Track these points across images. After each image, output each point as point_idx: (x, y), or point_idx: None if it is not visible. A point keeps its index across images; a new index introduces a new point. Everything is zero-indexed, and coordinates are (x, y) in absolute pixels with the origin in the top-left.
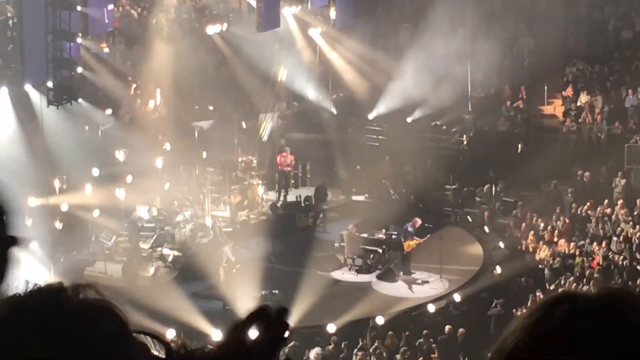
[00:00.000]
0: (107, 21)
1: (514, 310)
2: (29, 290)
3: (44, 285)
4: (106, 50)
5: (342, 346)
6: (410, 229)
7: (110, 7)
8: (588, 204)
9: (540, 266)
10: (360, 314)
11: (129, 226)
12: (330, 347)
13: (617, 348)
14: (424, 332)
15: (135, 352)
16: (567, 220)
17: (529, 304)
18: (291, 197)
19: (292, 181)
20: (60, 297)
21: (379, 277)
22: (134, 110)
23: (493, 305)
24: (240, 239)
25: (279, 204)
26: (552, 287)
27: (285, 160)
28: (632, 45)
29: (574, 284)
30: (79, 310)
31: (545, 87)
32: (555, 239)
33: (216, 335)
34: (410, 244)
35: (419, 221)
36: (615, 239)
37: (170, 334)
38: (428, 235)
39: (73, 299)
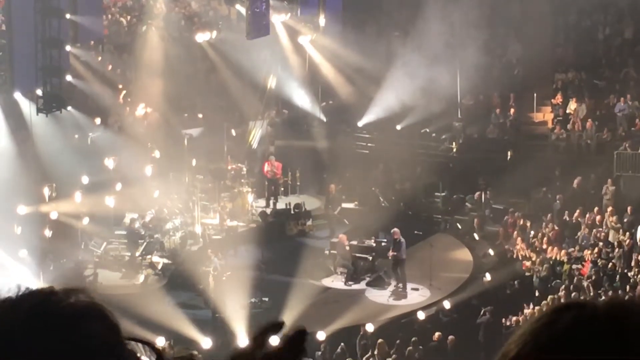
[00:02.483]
0: (96, 29)
1: (504, 318)
2: (20, 293)
3: (35, 288)
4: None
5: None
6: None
7: (100, 15)
8: (578, 211)
9: (527, 274)
10: (350, 322)
11: (127, 234)
12: (319, 353)
13: (621, 356)
14: (413, 339)
15: (126, 355)
16: (557, 228)
17: (521, 312)
18: (281, 205)
19: (282, 189)
20: (51, 300)
21: (369, 285)
22: (124, 118)
23: (482, 313)
24: (229, 247)
25: (268, 212)
26: (539, 295)
27: (272, 168)
28: (621, 52)
29: (563, 291)
30: (70, 312)
31: (535, 95)
32: (545, 246)
33: (205, 342)
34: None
35: (397, 231)
36: (601, 244)
37: (160, 341)
38: (404, 256)
39: (64, 302)
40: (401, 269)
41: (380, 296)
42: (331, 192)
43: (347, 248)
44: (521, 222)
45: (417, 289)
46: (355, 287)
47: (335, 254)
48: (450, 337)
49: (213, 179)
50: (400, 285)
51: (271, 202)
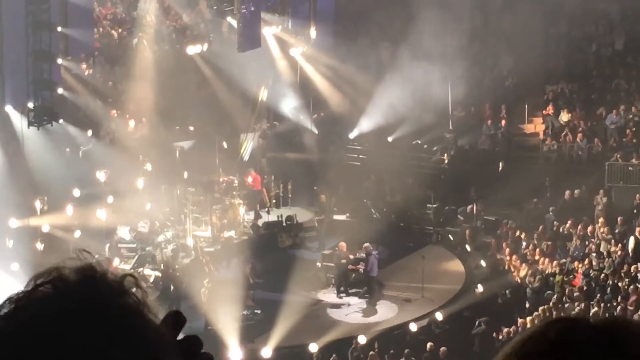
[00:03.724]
0: (87, 42)
1: (497, 329)
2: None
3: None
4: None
5: None
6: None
7: (91, 28)
8: (569, 222)
9: (519, 282)
10: (342, 334)
11: (110, 247)
12: None
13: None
14: (406, 351)
15: None
16: (549, 239)
17: (514, 323)
18: (273, 217)
19: (274, 201)
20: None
21: (361, 297)
22: (115, 130)
23: (477, 324)
24: (221, 259)
25: (260, 224)
26: (531, 306)
27: (250, 180)
28: (611, 64)
29: (555, 302)
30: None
31: (526, 106)
32: (537, 257)
33: None
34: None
35: (368, 246)
36: (594, 255)
37: None
38: (372, 273)
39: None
40: (371, 286)
41: (371, 307)
42: (321, 202)
43: (344, 260)
44: (516, 233)
45: (409, 301)
46: (347, 298)
47: (328, 265)
48: (443, 348)
49: (205, 192)
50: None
51: (256, 214)
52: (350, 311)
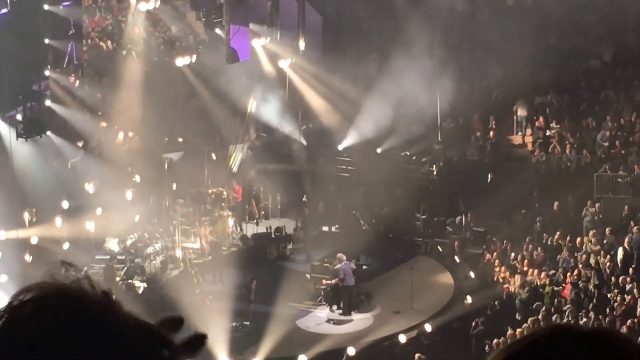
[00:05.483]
0: (75, 54)
1: (485, 341)
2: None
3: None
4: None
5: None
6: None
7: (80, 40)
8: (558, 233)
9: (508, 292)
10: (332, 345)
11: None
12: None
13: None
14: None
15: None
16: (538, 250)
17: (503, 335)
18: (262, 228)
19: (263, 212)
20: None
21: (352, 309)
22: (104, 142)
23: (474, 324)
24: (210, 271)
25: (249, 236)
26: (520, 317)
27: (232, 192)
28: (600, 75)
29: (544, 313)
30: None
31: (514, 117)
32: (526, 269)
33: None
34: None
35: (341, 256)
36: (581, 266)
37: None
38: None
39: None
40: (346, 295)
41: (361, 319)
42: (305, 214)
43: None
44: (502, 244)
45: (398, 312)
46: (337, 310)
47: (317, 277)
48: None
49: (193, 203)
50: (340, 310)
51: (238, 226)
52: (333, 322)
